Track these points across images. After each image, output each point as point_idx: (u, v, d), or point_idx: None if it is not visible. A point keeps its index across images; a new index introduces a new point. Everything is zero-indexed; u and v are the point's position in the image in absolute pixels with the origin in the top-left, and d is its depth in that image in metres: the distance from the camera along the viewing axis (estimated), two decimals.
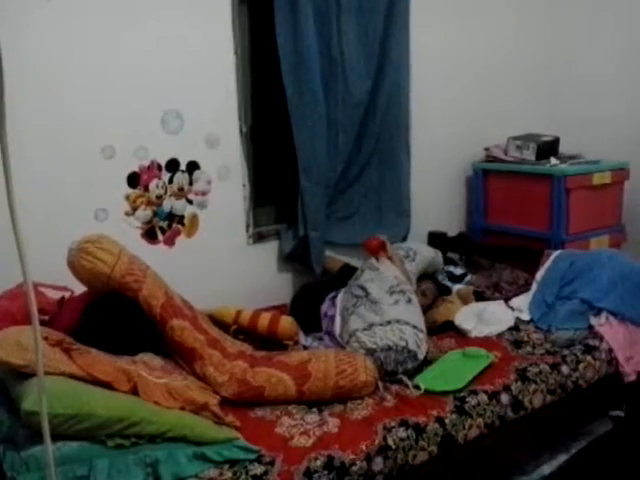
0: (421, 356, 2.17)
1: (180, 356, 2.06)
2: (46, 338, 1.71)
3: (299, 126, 2.85)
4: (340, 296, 2.56)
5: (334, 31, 2.89)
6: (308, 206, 2.92)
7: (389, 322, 2.21)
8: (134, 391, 1.71)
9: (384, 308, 2.29)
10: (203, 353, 2.04)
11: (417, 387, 2.06)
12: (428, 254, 2.91)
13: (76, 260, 1.98)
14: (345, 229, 3.19)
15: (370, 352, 2.13)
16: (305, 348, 2.40)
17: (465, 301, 2.77)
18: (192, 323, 2.10)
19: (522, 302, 2.77)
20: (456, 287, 2.96)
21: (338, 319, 2.44)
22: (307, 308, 2.58)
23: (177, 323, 2.05)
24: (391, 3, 3.08)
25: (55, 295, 2.17)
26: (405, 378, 2.09)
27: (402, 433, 1.84)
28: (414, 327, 2.23)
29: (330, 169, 3.01)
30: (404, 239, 3.33)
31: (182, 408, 1.73)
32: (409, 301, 2.36)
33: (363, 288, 2.42)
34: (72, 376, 1.64)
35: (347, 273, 2.83)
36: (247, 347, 2.28)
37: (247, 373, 2.00)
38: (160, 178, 2.65)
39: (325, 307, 2.55)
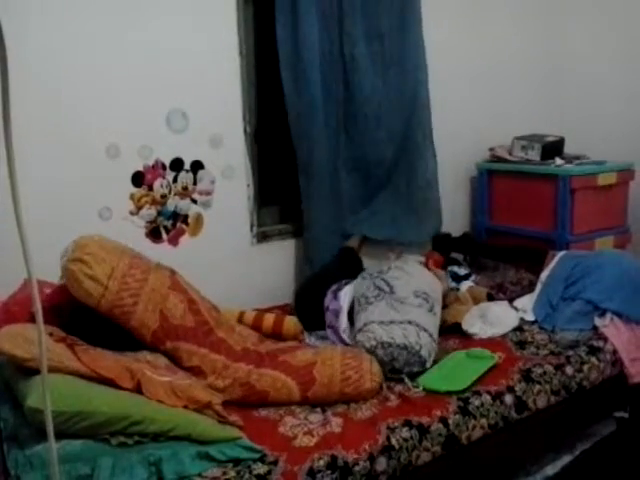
0: (428, 365, 2.17)
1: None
2: (51, 334, 1.72)
3: (297, 126, 2.85)
4: (358, 282, 2.54)
5: (338, 32, 2.90)
6: (309, 210, 2.93)
7: (410, 322, 2.21)
8: (138, 389, 1.71)
9: (407, 308, 2.28)
10: (203, 365, 1.98)
11: (416, 386, 2.07)
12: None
13: (65, 279, 1.91)
14: (377, 228, 3.20)
15: (384, 345, 2.13)
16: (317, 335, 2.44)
17: (477, 302, 2.73)
18: (192, 336, 2.02)
19: (526, 303, 2.76)
20: (467, 284, 2.92)
21: (344, 311, 2.44)
22: (311, 303, 2.58)
23: (170, 346, 1.98)
24: (402, 3, 3.07)
25: None
26: (406, 378, 2.11)
27: (405, 433, 1.83)
28: (430, 336, 2.23)
29: (333, 170, 3.01)
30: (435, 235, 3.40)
31: (185, 407, 1.73)
32: (431, 310, 2.36)
33: (389, 285, 2.41)
34: (76, 372, 1.64)
35: (348, 257, 2.81)
36: (253, 337, 2.25)
37: (251, 375, 1.98)
38: (164, 177, 2.65)
39: (327, 301, 2.54)
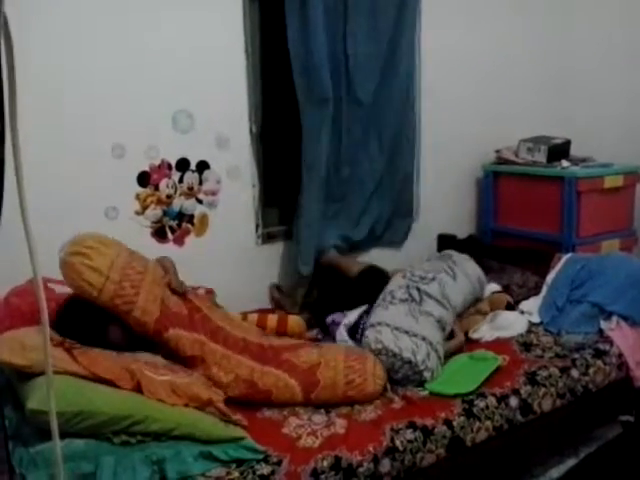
0: (426, 383, 2.11)
1: (181, 363, 1.98)
2: (50, 338, 1.72)
3: (307, 124, 2.84)
4: (396, 277, 2.48)
5: (342, 31, 2.90)
6: (305, 203, 2.91)
7: (424, 339, 2.16)
8: (138, 389, 1.71)
9: (426, 324, 2.23)
10: (204, 355, 1.98)
11: (422, 389, 2.07)
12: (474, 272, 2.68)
13: (63, 272, 1.89)
14: (354, 229, 3.19)
15: (388, 353, 2.10)
16: (317, 340, 2.43)
17: (495, 309, 2.68)
18: (190, 322, 2.02)
19: (532, 305, 2.75)
20: (491, 288, 2.83)
21: (343, 325, 2.39)
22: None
23: (173, 333, 1.96)
24: (402, 3, 3.08)
25: (62, 290, 2.16)
26: None
27: (410, 435, 1.83)
28: (439, 358, 2.19)
29: (333, 169, 3.01)
30: (405, 236, 3.40)
31: (186, 405, 1.73)
32: (450, 334, 2.36)
33: (421, 297, 2.32)
34: (75, 375, 1.65)
35: (372, 278, 2.68)
36: (254, 331, 2.24)
37: (254, 374, 1.98)
38: (170, 177, 2.65)
39: (332, 317, 2.49)
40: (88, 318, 1.90)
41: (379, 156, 3.20)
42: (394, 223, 3.37)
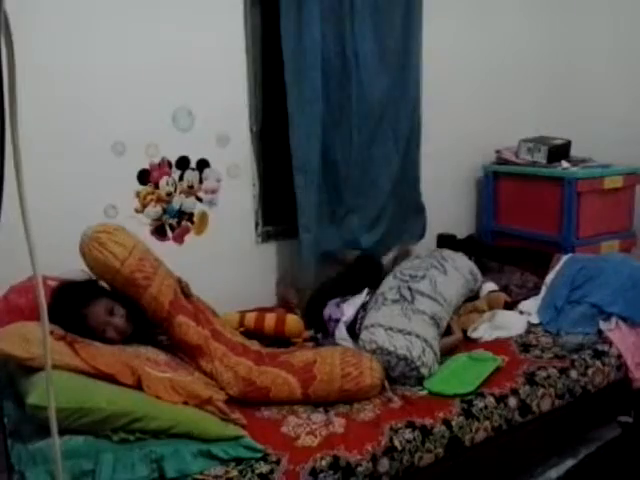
0: (424, 380, 2.11)
1: (185, 353, 2.04)
2: (51, 332, 1.72)
3: (295, 125, 2.81)
4: (388, 278, 2.51)
5: (348, 31, 2.88)
6: (301, 207, 2.88)
7: (418, 336, 2.16)
8: (138, 385, 1.71)
9: (419, 322, 2.23)
10: (208, 348, 2.03)
11: (421, 389, 2.07)
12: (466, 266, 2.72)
13: (87, 248, 1.93)
14: (368, 232, 3.17)
15: (383, 352, 2.11)
16: (314, 340, 2.44)
17: (493, 308, 2.68)
18: (195, 318, 2.07)
19: (531, 305, 2.75)
20: (488, 287, 2.83)
21: (342, 322, 2.40)
22: (320, 312, 2.55)
23: (183, 320, 2.02)
24: (408, 2, 3.08)
25: None
26: None
27: (408, 434, 1.83)
28: (435, 355, 2.19)
29: (343, 170, 3.00)
30: (421, 237, 3.40)
31: (185, 403, 1.73)
32: (447, 331, 2.37)
33: (412, 295, 2.34)
34: (77, 370, 1.65)
35: (365, 266, 2.77)
36: (252, 342, 2.27)
37: (252, 372, 2.00)
38: (170, 175, 2.65)
39: (328, 311, 2.50)
40: (69, 302, 1.92)
41: (395, 156, 3.19)
42: (410, 223, 3.36)
